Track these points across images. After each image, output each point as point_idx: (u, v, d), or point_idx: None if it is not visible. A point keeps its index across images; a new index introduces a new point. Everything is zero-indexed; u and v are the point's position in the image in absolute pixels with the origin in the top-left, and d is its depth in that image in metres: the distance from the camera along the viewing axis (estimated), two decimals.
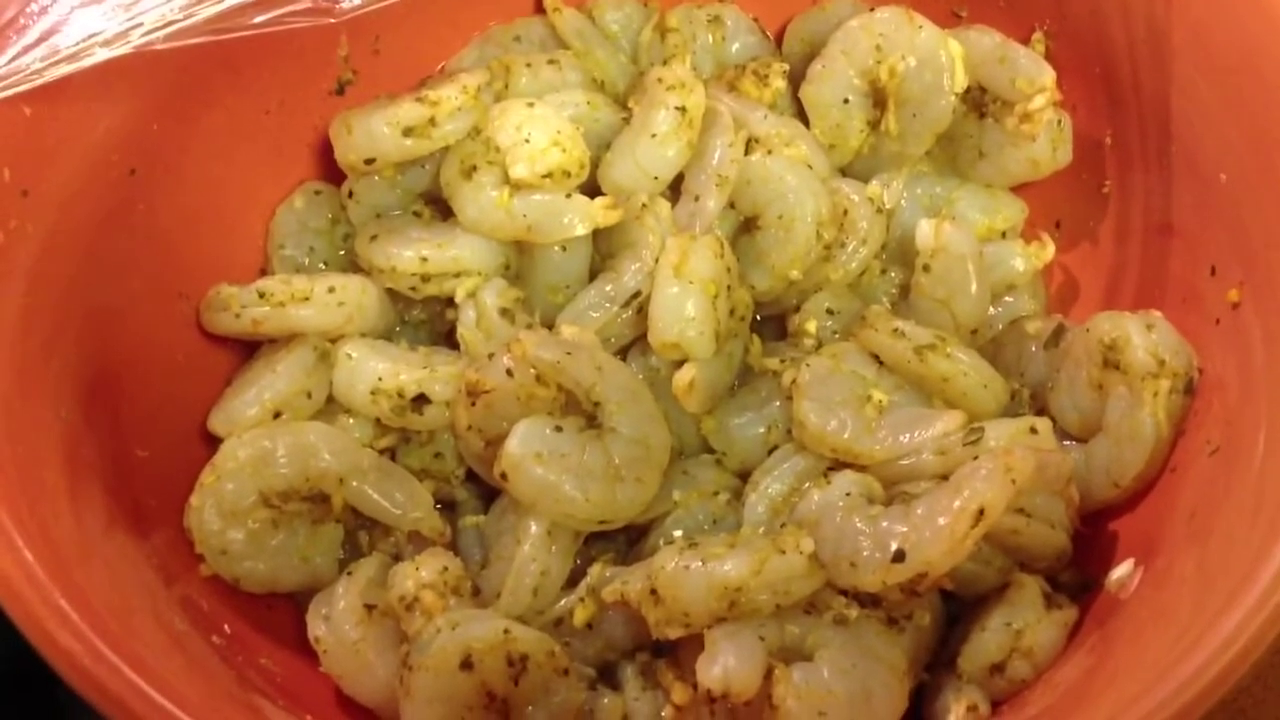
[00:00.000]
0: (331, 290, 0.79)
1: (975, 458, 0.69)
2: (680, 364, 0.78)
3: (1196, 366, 0.72)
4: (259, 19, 0.74)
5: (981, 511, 0.65)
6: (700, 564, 0.66)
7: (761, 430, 0.78)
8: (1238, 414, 0.68)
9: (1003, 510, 0.66)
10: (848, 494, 0.70)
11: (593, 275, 0.83)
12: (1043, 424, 0.73)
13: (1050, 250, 0.85)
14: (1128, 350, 0.72)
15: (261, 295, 0.78)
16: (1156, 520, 0.70)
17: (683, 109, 0.84)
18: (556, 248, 0.82)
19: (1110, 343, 0.73)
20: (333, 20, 0.77)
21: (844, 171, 0.89)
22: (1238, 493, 0.64)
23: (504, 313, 0.80)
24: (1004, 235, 0.87)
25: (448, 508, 0.79)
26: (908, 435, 0.73)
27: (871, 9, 0.89)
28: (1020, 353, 0.81)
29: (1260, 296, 0.70)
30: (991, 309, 0.83)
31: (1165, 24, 0.79)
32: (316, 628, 0.70)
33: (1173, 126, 0.80)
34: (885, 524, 0.67)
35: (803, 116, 0.89)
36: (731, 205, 0.84)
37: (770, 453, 0.77)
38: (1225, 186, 0.74)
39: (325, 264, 0.85)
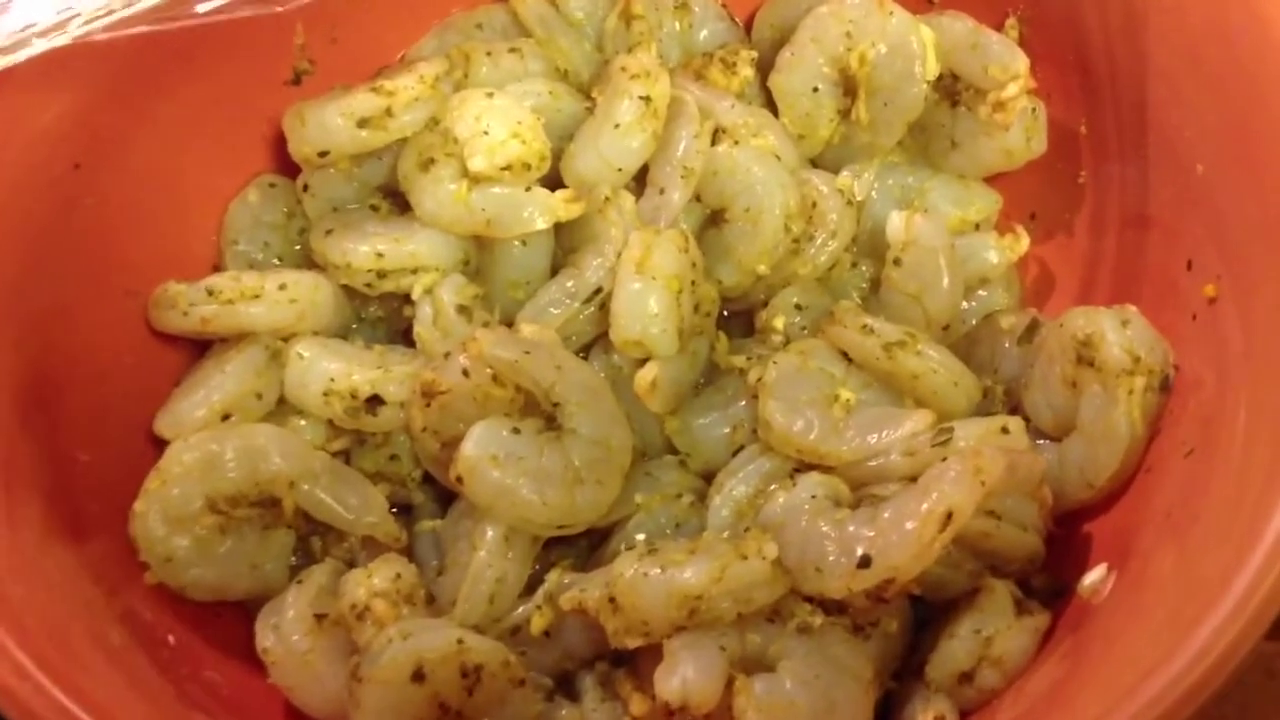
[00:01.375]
0: (283, 287, 0.77)
1: (944, 459, 0.67)
2: (643, 362, 0.76)
3: (1173, 363, 0.70)
4: (202, 8, 0.71)
5: (950, 515, 0.63)
6: (659, 571, 0.64)
7: (726, 430, 0.76)
8: (1215, 413, 0.66)
9: (972, 513, 0.64)
10: (813, 497, 0.68)
11: (555, 270, 0.81)
12: (1015, 423, 0.71)
13: (1024, 243, 0.83)
14: (1102, 347, 0.70)
15: (210, 293, 0.76)
16: (1131, 522, 0.68)
17: (647, 99, 0.82)
18: (516, 243, 0.80)
19: (1084, 339, 0.71)
20: (280, 9, 0.75)
21: (814, 162, 0.87)
22: (1214, 494, 0.62)
23: (462, 310, 0.78)
24: (977, 227, 0.85)
25: (404, 511, 0.77)
26: (875, 435, 0.71)
27: None
28: (993, 349, 0.79)
29: (1238, 291, 0.68)
30: (964, 303, 0.81)
31: (1141, 10, 0.78)
32: (265, 638, 0.68)
33: (1149, 116, 0.78)
34: (851, 528, 0.65)
35: (772, 106, 0.87)
36: (698, 198, 0.82)
37: (736, 454, 0.74)
38: (1203, 177, 0.72)
39: (280, 259, 0.83)
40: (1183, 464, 0.66)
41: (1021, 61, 0.83)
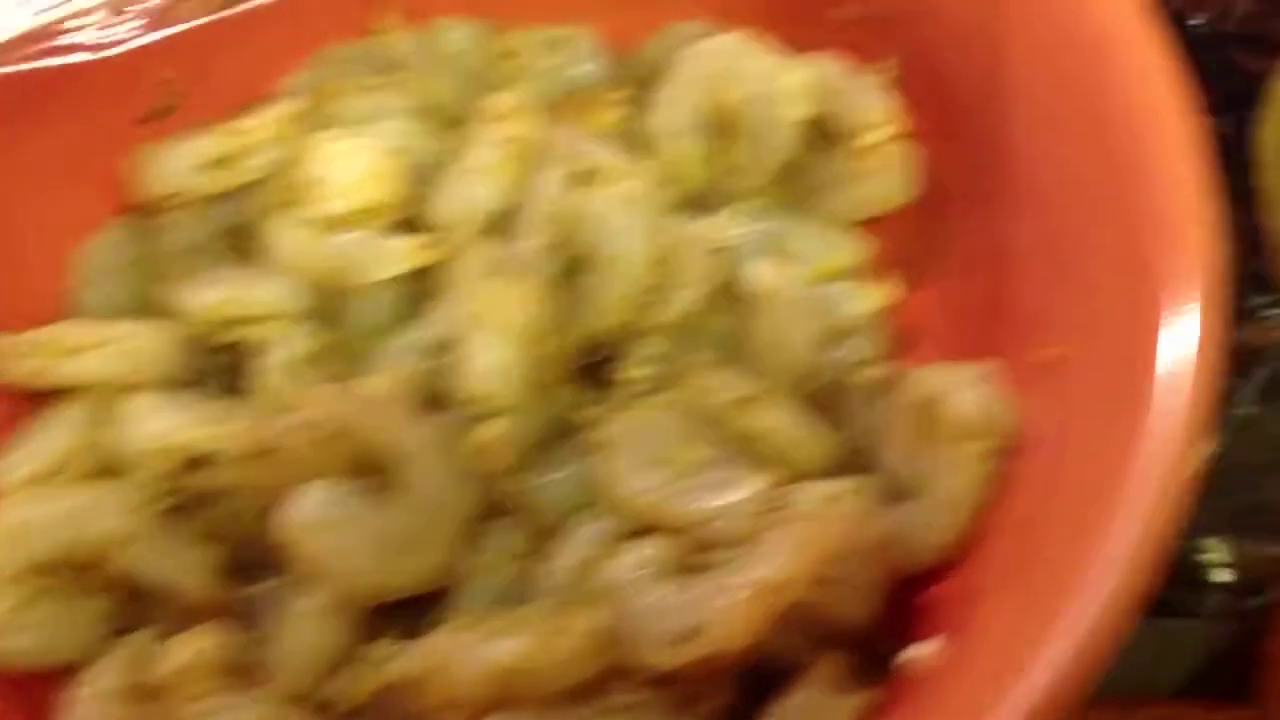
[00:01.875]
0: (118, 338, 0.75)
1: (783, 524, 0.65)
2: (489, 417, 0.74)
3: (1019, 426, 0.69)
4: (30, 50, 0.69)
5: (781, 584, 0.62)
6: (475, 643, 0.62)
7: (571, 490, 0.73)
8: (1055, 478, 0.65)
9: (805, 582, 0.63)
10: (647, 562, 0.66)
11: (410, 320, 0.79)
12: (860, 485, 0.69)
13: (891, 292, 0.81)
14: (948, 406, 0.69)
15: (39, 345, 0.74)
16: (969, 589, 0.66)
17: (510, 140, 0.80)
18: (368, 290, 0.78)
19: (931, 397, 0.70)
20: (113, 53, 0.73)
21: (683, 206, 0.85)
22: (1046, 562, 0.61)
23: (307, 361, 0.76)
24: (843, 275, 0.83)
25: (240, 572, 0.75)
26: (717, 497, 0.69)
27: (718, 33, 0.85)
28: (851, 404, 0.77)
29: (1090, 353, 0.66)
30: (825, 355, 0.79)
31: (1008, 57, 0.76)
32: (69, 713, 0.66)
33: (1020, 164, 0.76)
34: (680, 597, 0.63)
35: (645, 147, 0.85)
36: (559, 244, 0.80)
37: (578, 514, 0.73)
38: (1070, 230, 0.70)
39: (128, 306, 0.80)
40: (1022, 531, 0.65)
41: (890, 106, 0.82)
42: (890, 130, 0.81)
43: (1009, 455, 0.68)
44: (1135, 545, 0.55)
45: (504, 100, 0.82)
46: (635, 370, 0.78)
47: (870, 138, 0.81)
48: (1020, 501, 0.66)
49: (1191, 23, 0.96)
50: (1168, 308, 0.59)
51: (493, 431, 0.73)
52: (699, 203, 0.85)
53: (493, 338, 0.74)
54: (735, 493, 0.69)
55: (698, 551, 0.68)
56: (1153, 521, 0.55)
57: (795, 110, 0.82)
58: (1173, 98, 0.66)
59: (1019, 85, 0.75)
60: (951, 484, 0.68)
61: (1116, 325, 0.62)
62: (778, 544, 0.63)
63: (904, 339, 0.83)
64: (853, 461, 0.74)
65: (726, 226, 0.83)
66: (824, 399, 0.77)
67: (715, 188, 0.85)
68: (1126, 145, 0.65)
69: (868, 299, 0.81)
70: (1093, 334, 0.64)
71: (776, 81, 0.83)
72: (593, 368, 0.81)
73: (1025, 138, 0.75)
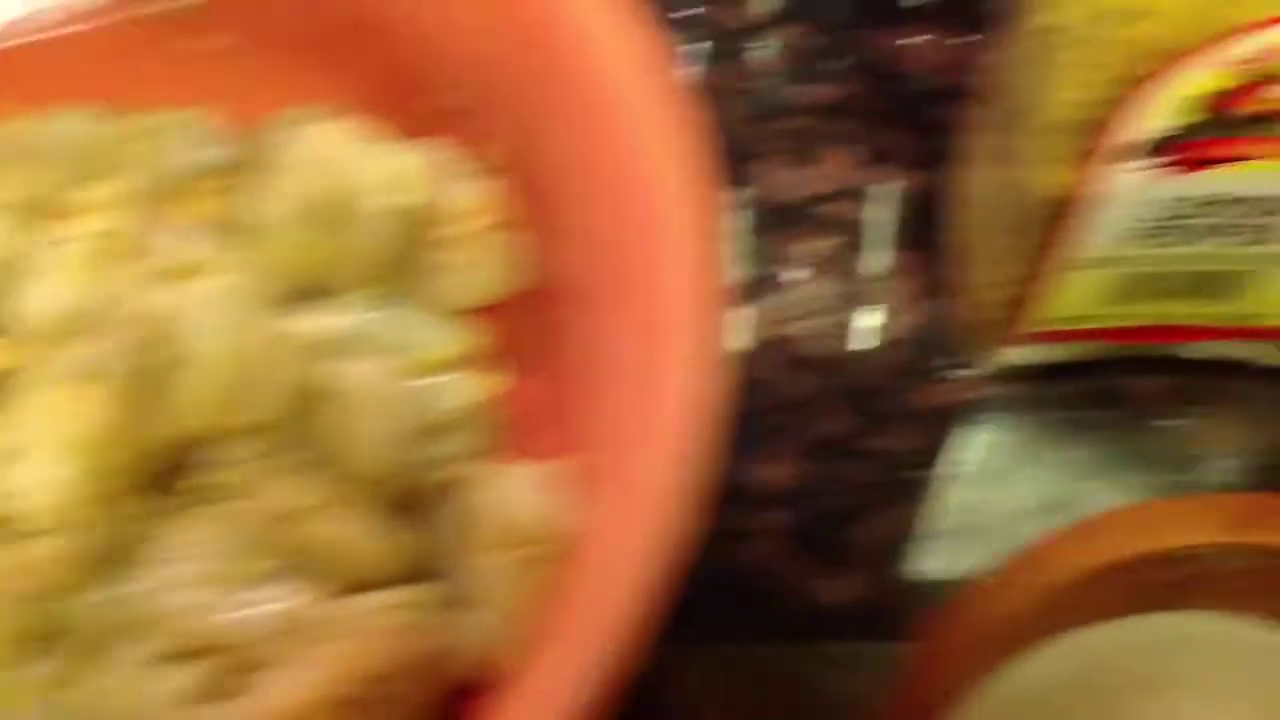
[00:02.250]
0: None
1: (324, 640, 0.63)
2: (38, 535, 0.70)
3: (573, 531, 0.68)
4: None
5: (304, 708, 0.60)
6: None
7: (120, 609, 0.70)
8: (609, 587, 0.64)
9: (334, 704, 0.61)
10: (184, 686, 0.64)
11: None
12: (417, 595, 0.68)
13: (495, 383, 0.80)
14: (506, 510, 0.68)
15: None
16: (518, 699, 0.65)
17: (99, 235, 0.77)
18: None
19: (489, 502, 0.69)
20: None
21: (283, 300, 0.83)
22: (568, 667, 0.60)
23: None
24: (445, 367, 0.81)
25: None
26: (262, 613, 0.67)
27: (327, 119, 0.84)
28: (434, 506, 0.75)
29: (624, 456, 0.66)
30: (416, 453, 0.77)
31: (590, 149, 0.77)
32: None
33: (594, 261, 0.76)
34: None
35: (248, 237, 0.83)
36: (141, 345, 0.77)
37: (123, 635, 0.69)
38: (609, 336, 0.71)
39: None
40: (565, 641, 0.64)
41: (490, 194, 0.81)
42: (489, 218, 0.80)
43: (561, 560, 0.67)
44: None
45: (95, 191, 0.79)
46: (209, 477, 0.75)
47: (469, 225, 0.81)
48: (563, 605, 0.65)
49: (908, 76, 0.98)
50: (671, 425, 0.60)
51: (38, 551, 0.69)
52: (301, 295, 0.83)
53: (48, 449, 0.70)
54: (282, 608, 0.67)
55: (240, 673, 0.66)
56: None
57: (396, 198, 0.81)
58: (697, 214, 0.68)
59: (590, 182, 0.76)
60: (504, 591, 0.67)
61: (631, 435, 0.62)
62: (307, 664, 0.61)
63: (515, 431, 0.82)
64: (424, 568, 0.73)
65: (323, 320, 0.81)
66: (406, 501, 0.76)
67: (317, 280, 0.83)
68: (651, 265, 0.66)
69: (470, 390, 0.80)
70: (617, 444, 0.64)
71: (378, 169, 0.81)
72: (172, 475, 0.78)
73: (600, 235, 0.75)
